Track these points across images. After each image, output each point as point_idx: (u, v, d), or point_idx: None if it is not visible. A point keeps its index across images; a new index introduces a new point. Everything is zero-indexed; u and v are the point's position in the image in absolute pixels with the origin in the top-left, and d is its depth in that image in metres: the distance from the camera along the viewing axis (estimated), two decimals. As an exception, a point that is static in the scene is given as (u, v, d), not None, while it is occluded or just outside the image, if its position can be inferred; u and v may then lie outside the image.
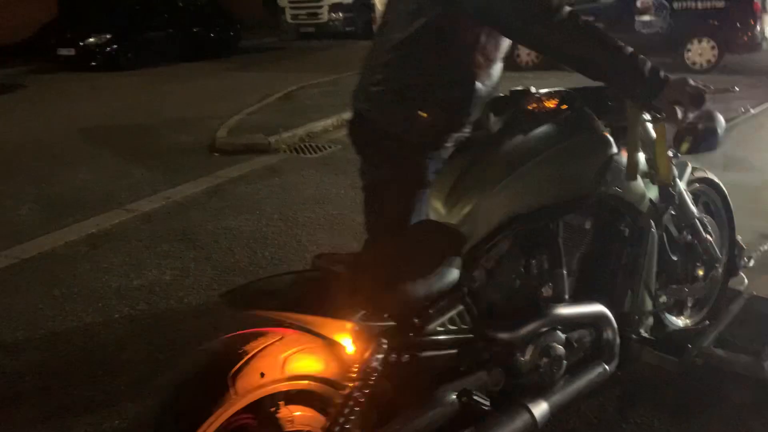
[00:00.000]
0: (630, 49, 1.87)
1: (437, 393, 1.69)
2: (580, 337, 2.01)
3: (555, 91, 2.12)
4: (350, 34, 17.01)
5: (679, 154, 2.27)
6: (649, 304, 2.24)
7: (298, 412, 1.52)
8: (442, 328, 1.73)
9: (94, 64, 12.76)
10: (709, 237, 2.48)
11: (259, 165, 5.98)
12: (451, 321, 1.76)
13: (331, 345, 1.55)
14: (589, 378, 2.00)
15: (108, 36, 12.92)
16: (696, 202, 2.67)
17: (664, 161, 2.06)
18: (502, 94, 2.21)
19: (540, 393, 1.88)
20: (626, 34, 9.85)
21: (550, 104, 2.07)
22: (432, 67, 1.99)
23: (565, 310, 1.96)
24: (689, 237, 2.46)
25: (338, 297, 1.55)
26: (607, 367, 2.03)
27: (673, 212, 2.38)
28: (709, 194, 2.70)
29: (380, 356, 1.55)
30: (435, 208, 1.94)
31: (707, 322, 2.66)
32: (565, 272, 1.99)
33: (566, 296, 1.99)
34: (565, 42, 1.83)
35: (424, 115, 2.01)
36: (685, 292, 2.52)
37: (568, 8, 1.83)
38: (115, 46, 12.92)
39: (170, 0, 14.72)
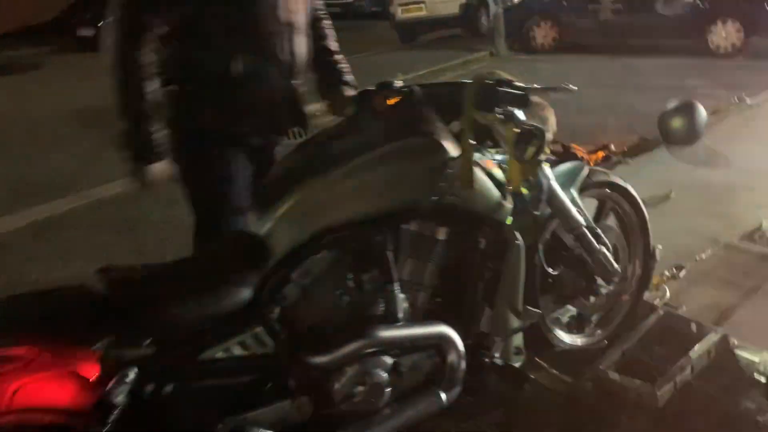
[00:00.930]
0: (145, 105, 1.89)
1: (213, 428, 1.54)
2: (414, 362, 1.83)
3: (403, 88, 1.93)
4: (376, 14, 16.80)
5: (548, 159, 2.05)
6: (514, 324, 2.03)
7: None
8: (225, 353, 1.58)
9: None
10: (602, 248, 2.24)
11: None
12: (244, 344, 1.61)
13: (73, 374, 1.42)
14: (418, 408, 1.81)
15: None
16: (601, 209, 2.45)
17: (511, 167, 1.85)
18: (370, 88, 2.05)
19: (352, 425, 1.71)
20: (647, 15, 9.40)
21: (391, 102, 1.88)
22: None
23: (393, 332, 1.78)
24: (577, 249, 2.23)
25: (91, 319, 1.41)
26: (444, 395, 1.83)
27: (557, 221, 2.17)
28: (616, 200, 2.45)
29: (125, 388, 1.41)
30: (252, 215, 1.80)
31: (605, 341, 2.43)
32: (397, 288, 1.80)
33: (399, 315, 1.81)
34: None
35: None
36: (572, 308, 2.31)
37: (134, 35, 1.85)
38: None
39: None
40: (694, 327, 2.46)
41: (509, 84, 1.82)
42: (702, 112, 4.48)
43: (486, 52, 10.58)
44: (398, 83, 2.01)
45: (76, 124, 7.10)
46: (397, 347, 1.80)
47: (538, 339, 2.29)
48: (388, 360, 1.77)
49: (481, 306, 2.00)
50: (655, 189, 3.86)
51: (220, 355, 1.57)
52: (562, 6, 10.21)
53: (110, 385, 1.39)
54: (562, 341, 2.34)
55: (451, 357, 1.86)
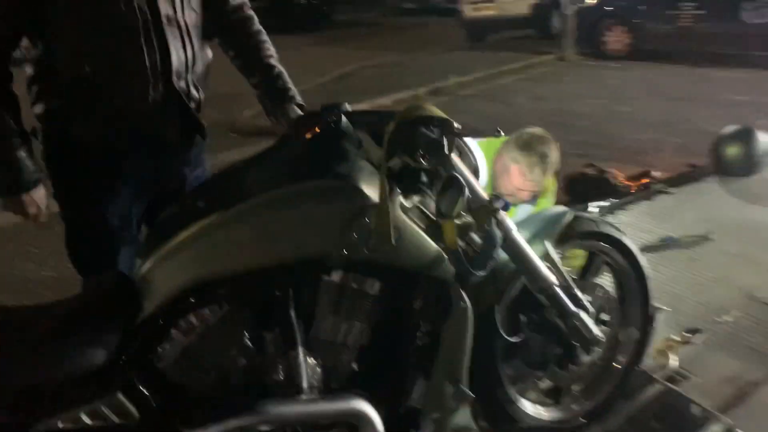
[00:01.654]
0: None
1: None
2: None
3: (331, 115, 1.63)
4: (452, 11, 16.50)
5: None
6: (451, 399, 1.71)
7: None
8: (69, 425, 1.35)
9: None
10: (580, 312, 1.89)
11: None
12: (96, 413, 1.38)
13: None
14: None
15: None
16: (591, 263, 2.09)
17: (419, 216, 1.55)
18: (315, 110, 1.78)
19: None
20: (732, 23, 8.66)
21: (311, 131, 1.60)
22: None
23: (292, 407, 1.51)
24: (548, 311, 1.88)
25: None
26: (350, 485, 1.55)
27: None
28: (610, 253, 2.08)
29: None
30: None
31: (581, 419, 2.07)
32: (302, 354, 1.53)
33: (303, 385, 1.53)
34: None
35: None
36: (538, 379, 1.97)
37: None
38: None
39: (263, -30, 14.83)
40: (695, 410, 2.06)
41: (433, 124, 1.51)
42: (763, 141, 3.94)
43: (553, 56, 10.07)
44: (346, 107, 1.72)
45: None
46: (297, 425, 1.53)
47: (499, 412, 1.97)
48: (279, 439, 1.50)
49: (414, 377, 1.69)
50: (695, 227, 3.41)
51: (62, 426, 1.35)
52: (638, 10, 9.55)
53: None
54: (528, 416, 2.00)
55: (365, 436, 1.57)
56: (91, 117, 1.74)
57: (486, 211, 1.66)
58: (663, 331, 2.43)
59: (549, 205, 2.65)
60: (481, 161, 1.77)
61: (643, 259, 2.11)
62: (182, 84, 1.84)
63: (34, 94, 1.74)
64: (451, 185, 1.47)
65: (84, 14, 1.65)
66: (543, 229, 1.91)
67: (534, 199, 2.60)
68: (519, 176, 2.40)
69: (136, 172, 1.84)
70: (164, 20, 1.74)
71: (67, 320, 1.42)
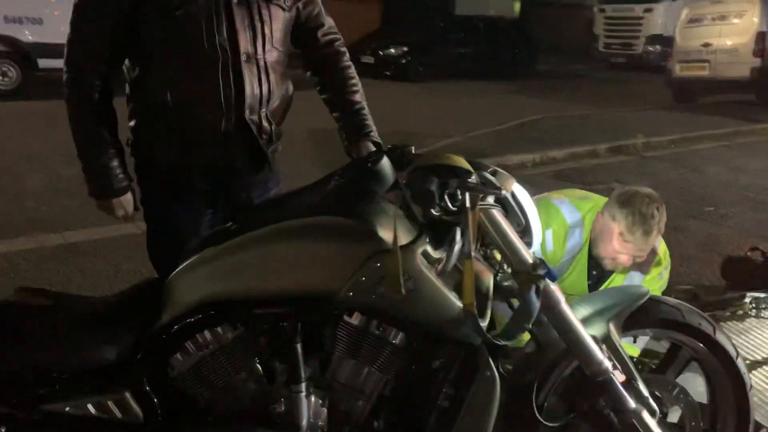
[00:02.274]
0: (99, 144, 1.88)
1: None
2: None
3: (374, 155, 1.62)
4: (661, 68, 15.60)
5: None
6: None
7: None
8: (74, 412, 1.46)
9: (387, 73, 13.79)
10: (642, 410, 1.64)
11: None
12: (101, 406, 1.47)
13: None
14: None
15: (405, 49, 13.86)
16: (673, 357, 1.82)
17: (464, 278, 1.43)
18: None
19: None
20: None
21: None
22: None
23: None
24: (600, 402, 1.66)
25: None
26: None
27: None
28: (697, 350, 1.78)
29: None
30: None
31: None
32: (303, 391, 1.51)
33: (302, 422, 1.51)
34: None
35: None
36: None
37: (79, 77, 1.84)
38: (408, 59, 13.79)
39: (472, 20, 15.23)
40: None
41: (454, 174, 1.42)
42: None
43: (769, 126, 9.03)
44: (411, 150, 1.69)
45: (290, 145, 7.61)
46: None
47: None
48: (269, 472, 1.49)
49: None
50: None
51: (68, 410, 1.46)
52: None
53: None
54: None
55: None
56: (169, 140, 1.90)
57: (527, 276, 1.52)
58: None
59: (661, 282, 2.38)
60: (536, 221, 1.62)
61: (742, 364, 1.78)
62: (254, 117, 1.93)
63: (129, 112, 1.95)
64: (451, 238, 1.37)
65: (173, 48, 1.81)
66: (609, 307, 1.70)
67: (645, 267, 2.34)
68: (618, 238, 2.18)
69: (208, 191, 1.97)
70: (243, 58, 1.85)
71: (94, 315, 1.54)
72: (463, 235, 1.44)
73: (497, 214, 1.53)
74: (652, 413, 1.68)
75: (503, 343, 1.50)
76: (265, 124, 1.95)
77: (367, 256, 1.44)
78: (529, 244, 1.59)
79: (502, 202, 1.57)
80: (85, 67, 1.82)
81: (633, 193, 2.21)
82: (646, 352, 2.17)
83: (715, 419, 1.85)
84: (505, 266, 1.58)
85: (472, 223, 1.42)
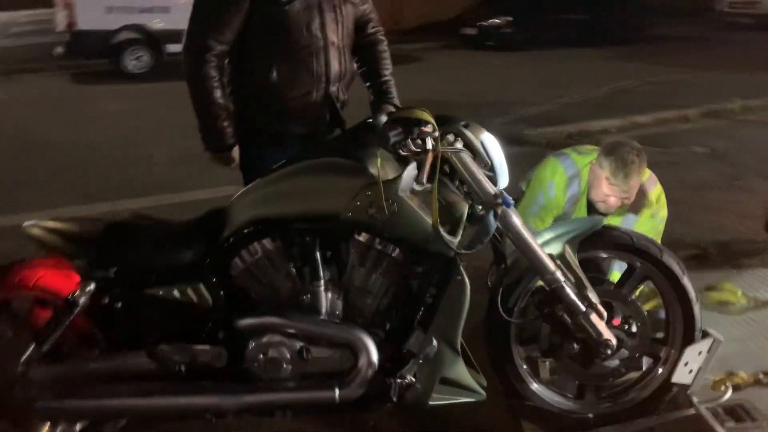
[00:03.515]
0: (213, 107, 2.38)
1: (148, 343, 2.08)
2: (321, 353, 2.07)
3: (379, 115, 2.13)
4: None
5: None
6: (447, 356, 2.07)
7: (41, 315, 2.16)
8: (165, 294, 2.10)
9: (491, 43, 13.97)
10: (590, 312, 2.06)
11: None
12: (183, 292, 2.10)
13: (66, 277, 2.12)
14: (308, 394, 2.06)
15: (509, 18, 13.90)
16: (629, 275, 2.21)
17: (432, 203, 1.92)
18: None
19: (243, 385, 2.07)
20: None
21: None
22: None
23: (306, 323, 2.06)
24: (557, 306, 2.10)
25: (86, 242, 2.11)
26: (338, 392, 2.03)
27: None
28: (649, 270, 2.16)
29: (86, 296, 2.05)
30: None
31: (589, 415, 2.19)
32: (322, 287, 2.07)
33: (321, 310, 2.07)
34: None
35: None
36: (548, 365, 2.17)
37: (201, 53, 2.34)
38: (511, 28, 13.85)
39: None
40: (717, 441, 2.05)
41: (417, 124, 1.89)
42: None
43: None
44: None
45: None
46: (307, 336, 2.07)
47: (508, 386, 2.25)
48: (296, 344, 2.06)
49: (415, 328, 2.08)
50: None
51: (161, 293, 2.10)
52: None
53: (76, 291, 2.05)
54: (535, 396, 2.23)
55: (361, 362, 2.04)
56: (266, 110, 2.48)
57: (488, 204, 1.99)
58: (741, 367, 2.37)
59: (654, 221, 2.71)
60: (502, 162, 2.05)
61: (687, 282, 2.14)
62: (334, 89, 2.52)
63: (232, 86, 2.51)
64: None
65: (278, 35, 2.39)
66: (567, 232, 2.12)
67: (637, 208, 2.69)
68: (605, 182, 2.56)
69: (295, 152, 2.42)
70: (330, 44, 2.45)
71: (180, 231, 2.18)
72: (419, 169, 1.92)
73: (465, 156, 1.99)
74: (600, 316, 2.09)
75: (464, 252, 1.98)
76: (341, 95, 2.54)
77: (360, 186, 1.96)
78: (495, 181, 2.04)
79: (470, 148, 2.02)
80: (204, 45, 2.34)
81: (617, 143, 2.60)
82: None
83: (667, 329, 2.22)
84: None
85: (429, 161, 1.89)
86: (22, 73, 11.70)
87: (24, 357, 2.10)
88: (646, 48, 13.42)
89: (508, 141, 6.43)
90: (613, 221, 2.68)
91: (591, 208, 2.72)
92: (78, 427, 2.24)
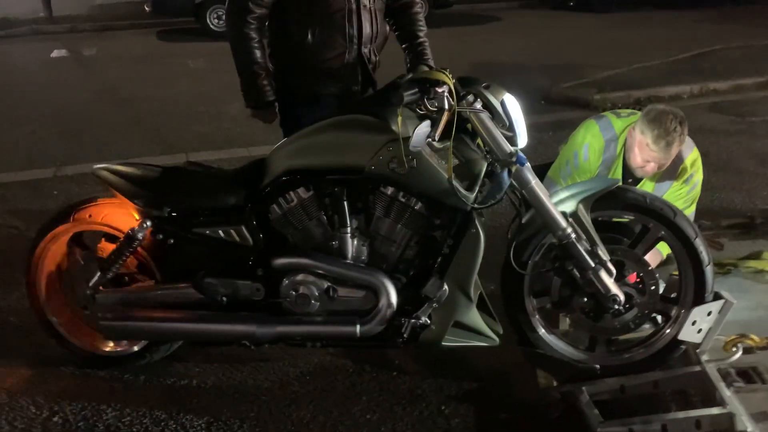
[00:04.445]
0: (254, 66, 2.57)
1: (196, 276, 2.35)
2: (346, 293, 2.28)
3: (404, 76, 2.27)
4: None
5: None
6: (461, 302, 2.24)
7: (106, 247, 2.47)
8: (212, 233, 2.35)
9: (571, 3, 13.59)
10: (600, 268, 2.17)
11: (558, 118, 6.13)
12: (227, 232, 2.35)
13: (128, 214, 2.41)
14: (332, 327, 2.28)
15: (592, -23, 13.45)
16: (642, 235, 2.29)
17: (448, 159, 2.08)
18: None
19: (275, 318, 2.31)
20: None
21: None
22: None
23: (332, 264, 2.27)
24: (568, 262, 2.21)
25: (151, 185, 2.39)
26: (359, 327, 2.24)
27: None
28: (663, 232, 2.23)
29: (143, 232, 2.33)
30: None
31: (596, 366, 2.31)
32: (348, 233, 2.27)
33: (348, 254, 2.28)
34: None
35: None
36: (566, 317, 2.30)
37: (242, 16, 2.52)
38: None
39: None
40: (718, 396, 2.13)
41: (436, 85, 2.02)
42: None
43: None
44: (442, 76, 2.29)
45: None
46: (334, 277, 2.28)
47: (520, 334, 2.40)
48: (324, 283, 2.28)
49: (432, 274, 2.25)
50: None
51: (208, 232, 2.36)
52: None
53: (136, 227, 2.34)
54: (545, 344, 2.36)
55: (381, 302, 2.24)
56: (302, 71, 2.67)
57: (503, 161, 2.12)
58: (764, 333, 2.42)
59: (687, 187, 2.74)
60: (521, 123, 2.14)
61: (700, 243, 2.21)
62: (366, 51, 2.69)
63: (270, 50, 2.72)
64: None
65: (311, 0, 2.56)
66: (581, 192, 2.22)
67: (673, 174, 2.72)
68: (645, 148, 2.59)
69: (329, 110, 2.65)
70: (362, 7, 2.61)
71: (226, 178, 2.44)
72: (433, 126, 2.05)
73: (483, 116, 2.12)
74: (609, 273, 2.20)
75: (480, 207, 2.13)
76: (372, 56, 2.72)
77: (383, 142, 2.13)
78: (514, 141, 2.16)
79: (489, 109, 2.14)
80: (245, 8, 2.52)
81: (660, 110, 2.58)
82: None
83: (680, 289, 2.29)
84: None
85: (445, 119, 2.03)
86: (113, 30, 12.41)
87: (92, 282, 2.43)
88: (741, 9, 12.72)
89: (574, 104, 6.58)
90: (646, 187, 2.72)
91: (626, 171, 2.76)
92: (136, 347, 2.57)
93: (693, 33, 10.33)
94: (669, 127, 2.53)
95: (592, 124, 2.80)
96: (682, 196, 2.72)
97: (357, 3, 2.58)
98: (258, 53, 2.59)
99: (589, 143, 2.76)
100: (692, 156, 2.74)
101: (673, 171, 2.72)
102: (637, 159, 2.65)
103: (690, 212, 2.76)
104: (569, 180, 2.79)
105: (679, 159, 2.70)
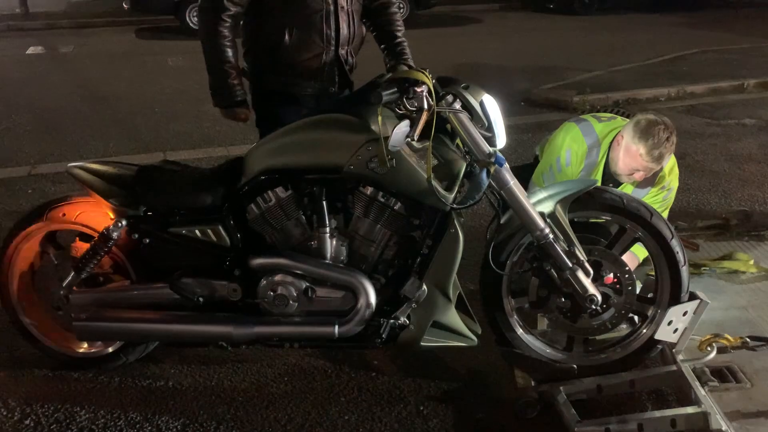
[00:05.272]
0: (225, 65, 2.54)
1: (172, 276, 2.32)
2: (324, 293, 2.26)
3: (383, 76, 2.26)
4: None
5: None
6: (440, 302, 2.23)
7: (80, 246, 2.43)
8: (188, 232, 2.33)
9: (551, 6, 13.69)
10: (577, 269, 2.18)
11: (538, 120, 6.17)
12: (204, 232, 2.32)
13: (104, 214, 2.37)
14: (310, 328, 2.27)
15: (571, -20, 13.56)
16: (619, 236, 2.31)
17: (427, 159, 2.07)
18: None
19: (252, 318, 2.29)
20: None
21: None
22: None
23: (310, 264, 2.25)
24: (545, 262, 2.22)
25: (124, 184, 2.35)
26: (337, 328, 2.23)
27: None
28: (639, 233, 2.25)
29: (119, 231, 2.29)
30: None
31: (573, 366, 2.32)
32: (327, 233, 2.25)
33: (326, 254, 2.26)
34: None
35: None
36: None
37: (216, 14, 2.49)
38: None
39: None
40: (693, 395, 2.15)
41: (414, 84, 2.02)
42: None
43: None
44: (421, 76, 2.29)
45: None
46: (313, 277, 2.27)
47: (498, 334, 2.40)
48: (303, 283, 2.26)
49: (410, 275, 2.25)
50: None
51: (184, 232, 2.33)
52: None
53: (111, 226, 2.30)
54: (523, 344, 2.37)
55: (360, 303, 2.23)
56: (279, 71, 2.64)
57: (482, 162, 2.12)
58: (737, 332, 2.45)
59: (663, 193, 2.76)
60: (500, 123, 2.15)
61: (676, 244, 2.23)
62: (343, 52, 2.67)
63: (246, 49, 2.70)
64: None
65: (290, 1, 2.53)
66: (559, 192, 2.23)
67: (652, 180, 2.73)
68: (638, 158, 2.56)
69: (307, 110, 2.62)
70: (339, 8, 2.59)
71: (203, 177, 2.40)
72: (412, 126, 2.05)
73: (462, 116, 2.11)
74: (587, 273, 2.21)
75: (458, 207, 2.13)
76: (349, 58, 2.70)
77: (361, 141, 2.12)
78: (493, 142, 2.16)
79: (468, 109, 2.14)
80: (220, 6, 2.48)
81: (651, 120, 2.55)
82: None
83: (656, 290, 2.31)
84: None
85: (423, 119, 2.02)
86: (91, 27, 12.26)
87: (65, 282, 2.39)
88: (719, 14, 12.92)
89: (553, 106, 6.62)
90: (626, 191, 2.74)
91: (606, 175, 2.74)
92: (111, 348, 2.54)
93: (669, 37, 10.46)
94: (662, 138, 2.52)
95: (572, 126, 2.80)
96: (658, 201, 2.74)
97: (335, 4, 2.57)
98: (230, 52, 2.56)
99: (571, 148, 2.75)
100: (670, 163, 2.76)
101: (652, 178, 2.73)
102: (627, 168, 2.62)
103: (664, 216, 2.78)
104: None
105: None
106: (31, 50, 10.14)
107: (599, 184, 2.56)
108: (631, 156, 2.59)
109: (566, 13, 13.20)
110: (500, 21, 12.93)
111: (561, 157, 2.76)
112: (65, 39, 11.03)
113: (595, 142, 2.75)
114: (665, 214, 2.79)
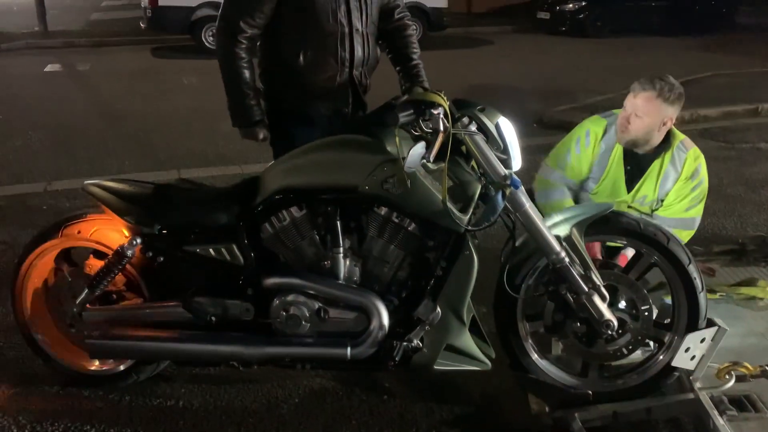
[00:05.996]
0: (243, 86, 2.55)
1: (185, 294, 2.32)
2: (337, 314, 2.25)
3: (399, 97, 2.26)
4: None
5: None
6: (453, 325, 2.21)
7: (94, 263, 2.43)
8: (202, 251, 2.32)
9: (563, 28, 13.75)
10: (593, 293, 2.16)
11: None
12: (218, 251, 2.32)
13: (118, 231, 2.38)
14: (323, 350, 2.25)
15: (583, 3, 13.63)
16: (636, 260, 2.29)
17: (443, 181, 2.07)
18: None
19: (265, 338, 2.28)
20: None
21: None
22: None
23: (323, 284, 2.24)
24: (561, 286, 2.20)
25: (141, 203, 2.36)
26: (349, 350, 2.21)
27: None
28: (657, 258, 2.23)
29: (133, 249, 2.30)
30: None
31: (588, 392, 2.29)
32: (341, 253, 2.24)
33: (339, 275, 2.25)
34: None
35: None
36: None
37: (233, 36, 2.51)
38: (586, 13, 13.57)
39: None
40: (711, 424, 2.11)
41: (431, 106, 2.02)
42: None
43: None
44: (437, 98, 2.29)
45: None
46: (326, 298, 2.26)
47: (512, 358, 2.37)
48: (315, 304, 2.25)
49: (425, 297, 2.23)
50: None
51: (198, 250, 2.33)
52: None
53: (125, 244, 2.31)
54: (537, 369, 2.34)
55: (373, 324, 2.21)
56: (293, 91, 2.65)
57: (498, 184, 2.11)
58: (755, 361, 2.40)
59: (692, 194, 2.77)
60: (515, 146, 2.15)
61: (693, 270, 2.20)
62: (357, 73, 2.69)
63: (262, 69, 2.71)
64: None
65: (306, 22, 2.55)
66: (575, 216, 2.21)
67: (675, 167, 2.77)
68: (629, 99, 2.71)
69: (321, 130, 2.63)
70: (354, 30, 2.60)
71: (218, 196, 2.41)
72: (428, 148, 2.04)
73: (478, 138, 2.11)
74: (603, 298, 2.18)
75: (473, 229, 2.11)
76: (363, 79, 2.71)
77: (377, 162, 2.12)
78: (508, 164, 2.15)
79: (484, 131, 2.14)
80: (237, 27, 2.51)
81: (659, 75, 2.67)
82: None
83: (673, 315, 2.28)
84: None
85: (439, 141, 2.02)
86: (108, 46, 12.42)
87: (79, 299, 2.39)
88: (731, 38, 12.93)
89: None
90: (650, 180, 2.79)
91: (627, 158, 2.80)
92: (122, 366, 2.53)
93: (682, 59, 10.46)
94: (655, 83, 2.64)
95: (595, 116, 2.93)
96: (688, 194, 2.75)
97: (350, 26, 2.58)
98: (247, 73, 2.58)
99: (590, 129, 2.87)
100: (695, 151, 2.79)
101: (677, 161, 2.77)
102: (621, 120, 2.73)
103: (698, 212, 2.81)
104: (564, 171, 2.85)
105: (682, 149, 2.77)
106: (49, 68, 10.28)
107: (621, 164, 2.57)
108: (625, 104, 2.71)
109: (579, 36, 13.27)
110: (513, 43, 13.01)
111: (581, 137, 2.88)
112: (83, 57, 11.18)
113: (614, 120, 2.83)
114: (700, 207, 2.82)
